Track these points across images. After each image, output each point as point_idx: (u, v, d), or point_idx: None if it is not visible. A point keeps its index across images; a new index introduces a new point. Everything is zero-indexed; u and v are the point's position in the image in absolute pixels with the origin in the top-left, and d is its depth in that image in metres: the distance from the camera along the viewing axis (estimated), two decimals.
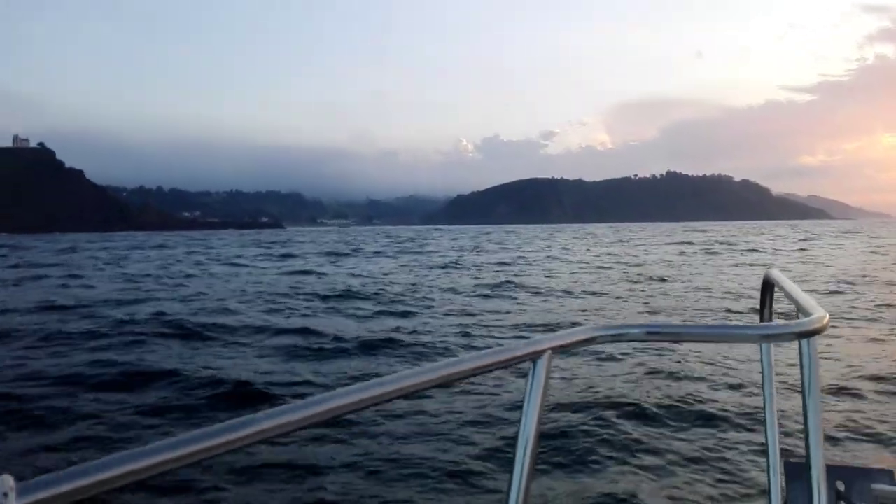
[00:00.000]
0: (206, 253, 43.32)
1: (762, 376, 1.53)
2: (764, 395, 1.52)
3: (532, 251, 39.63)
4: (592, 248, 41.96)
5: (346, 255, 38.17)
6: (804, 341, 1.21)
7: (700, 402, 6.13)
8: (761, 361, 1.55)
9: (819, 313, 1.20)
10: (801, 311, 1.30)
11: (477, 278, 20.41)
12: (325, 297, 15.21)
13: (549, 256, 33.21)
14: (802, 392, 1.23)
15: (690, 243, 45.01)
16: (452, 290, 16.57)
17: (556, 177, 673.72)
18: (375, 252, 41.40)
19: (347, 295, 15.66)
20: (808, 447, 1.16)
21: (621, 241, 55.87)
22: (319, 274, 23.40)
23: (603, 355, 7.43)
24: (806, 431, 1.17)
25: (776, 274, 1.67)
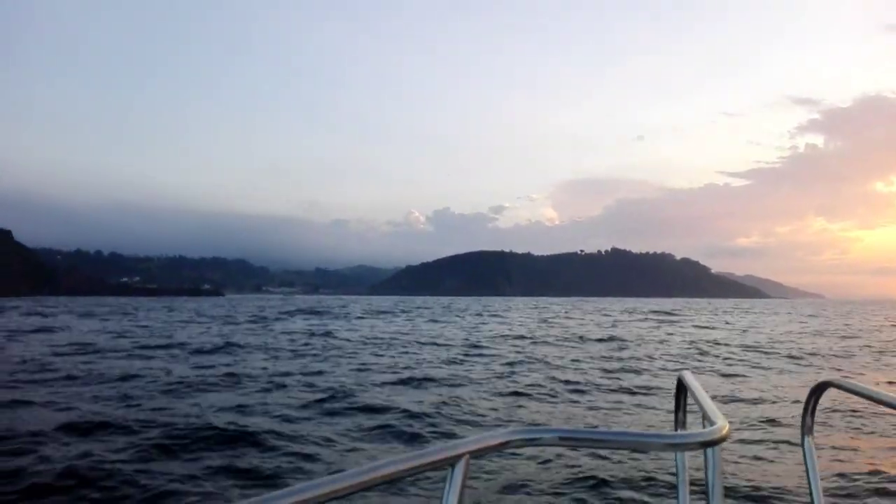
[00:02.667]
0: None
1: (677, 481, 1.61)
2: (679, 500, 1.59)
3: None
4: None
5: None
6: (708, 450, 1.30)
7: None
8: (676, 466, 1.64)
9: (720, 423, 1.29)
10: (706, 418, 1.39)
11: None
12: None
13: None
14: (707, 499, 1.33)
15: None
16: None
17: (505, 250, 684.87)
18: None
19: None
20: None
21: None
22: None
23: (522, 457, 7.07)
24: None
25: (688, 377, 1.76)
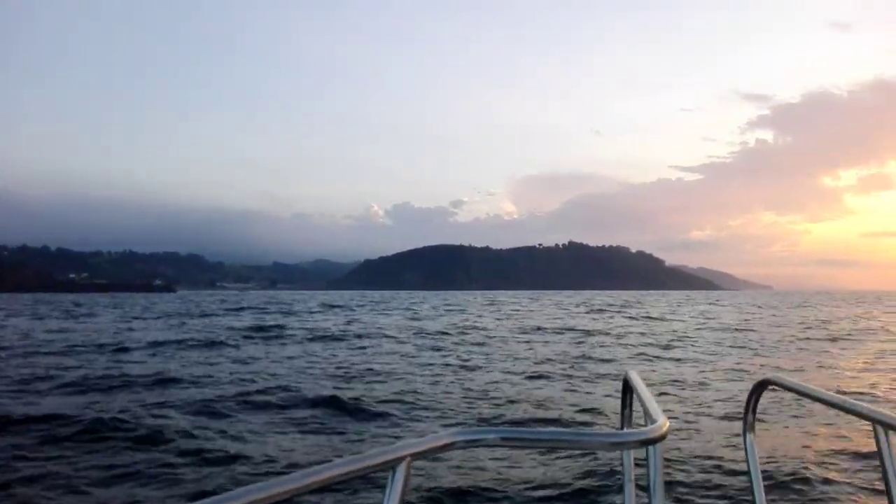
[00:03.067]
0: None
1: (622, 479, 1.62)
2: (624, 499, 1.59)
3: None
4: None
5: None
6: (650, 448, 1.31)
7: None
8: (622, 463, 1.64)
9: (661, 421, 1.31)
10: (648, 416, 1.41)
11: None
12: None
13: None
14: (648, 497, 1.35)
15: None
16: None
17: (464, 244, 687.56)
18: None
19: None
20: None
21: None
22: None
23: (465, 457, 6.90)
24: None
25: (633, 376, 1.80)
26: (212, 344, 20.52)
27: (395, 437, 8.06)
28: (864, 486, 6.13)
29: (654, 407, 1.46)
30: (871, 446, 1.62)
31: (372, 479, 5.80)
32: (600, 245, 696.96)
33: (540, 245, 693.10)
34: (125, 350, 18.70)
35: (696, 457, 7.12)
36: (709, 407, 9.97)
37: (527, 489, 6.24)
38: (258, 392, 11.16)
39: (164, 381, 12.38)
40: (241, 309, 52.63)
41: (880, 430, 1.54)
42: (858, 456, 6.99)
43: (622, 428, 1.95)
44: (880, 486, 1.64)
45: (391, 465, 1.09)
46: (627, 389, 1.86)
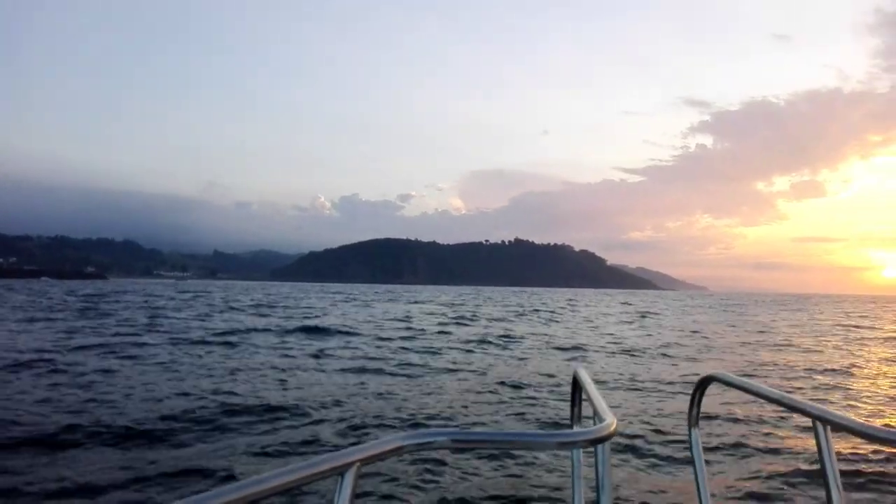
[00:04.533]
0: None
1: (572, 477, 1.61)
2: (574, 497, 1.59)
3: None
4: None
5: None
6: (598, 447, 1.34)
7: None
8: (571, 462, 1.63)
9: (608, 419, 1.32)
10: (596, 414, 1.42)
11: None
12: None
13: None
14: (597, 495, 1.36)
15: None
16: None
17: (411, 238, 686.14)
18: None
19: None
20: None
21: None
22: None
23: (415, 461, 6.65)
24: None
25: (582, 373, 1.79)
26: None
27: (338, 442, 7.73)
28: (804, 480, 6.20)
29: (602, 405, 1.47)
30: (811, 442, 1.62)
31: (320, 487, 5.50)
32: (545, 243, 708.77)
33: (486, 241, 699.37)
34: None
35: (642, 453, 7.11)
36: (656, 402, 10.03)
37: (478, 491, 6.04)
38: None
39: None
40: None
41: (820, 426, 1.56)
42: (799, 451, 7.10)
43: (572, 425, 1.97)
44: (820, 480, 1.59)
45: (339, 472, 1.07)
46: (576, 386, 1.85)
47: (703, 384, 2.17)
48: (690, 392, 2.24)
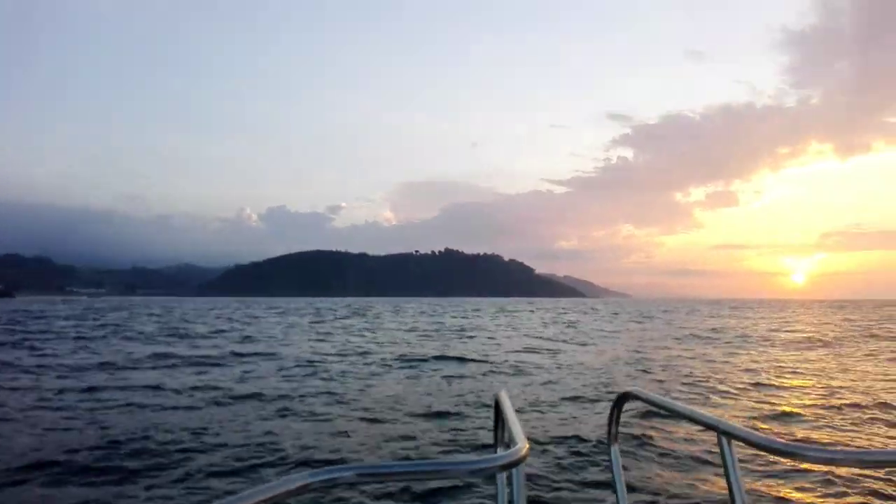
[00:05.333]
0: None
1: (496, 502, 1.60)
2: None
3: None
4: None
5: None
6: (512, 471, 1.36)
7: None
8: (496, 487, 1.62)
9: (520, 444, 1.33)
10: (511, 439, 1.43)
11: None
12: None
13: None
14: None
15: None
16: None
17: (340, 250, 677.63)
18: None
19: None
20: None
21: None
22: None
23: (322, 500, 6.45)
24: None
25: (503, 397, 1.82)
26: None
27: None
28: (713, 491, 6.49)
29: (516, 429, 1.47)
30: (717, 454, 1.68)
31: None
32: (475, 253, 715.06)
33: (416, 252, 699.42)
34: None
35: (561, 471, 7.27)
36: (575, 421, 10.25)
37: None
38: None
39: None
40: None
41: (723, 438, 1.61)
42: (708, 464, 7.43)
43: (496, 448, 1.97)
44: (727, 493, 1.68)
45: None
46: (497, 410, 1.85)
47: (620, 400, 2.23)
48: (608, 408, 2.32)
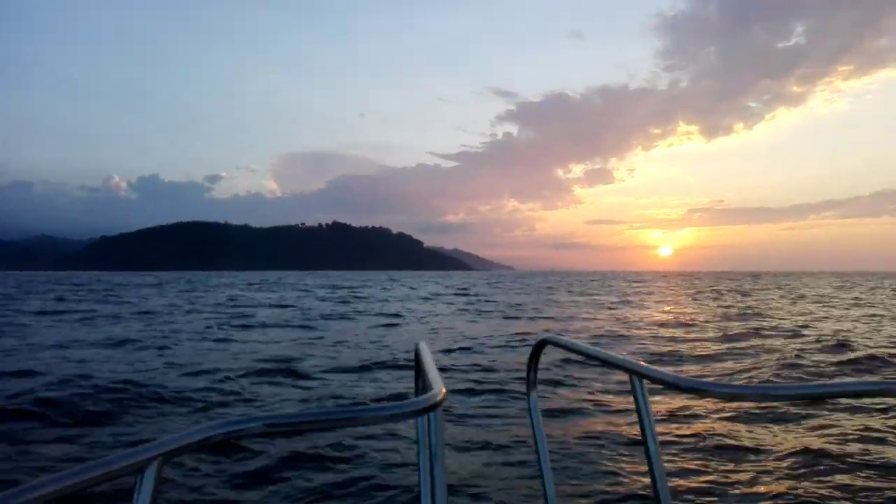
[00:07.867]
0: None
1: (417, 448, 1.58)
2: (419, 466, 1.54)
3: None
4: None
5: None
6: (430, 415, 1.34)
7: (349, 487, 5.12)
8: (416, 432, 1.61)
9: (436, 389, 1.33)
10: (426, 385, 1.44)
11: None
12: None
13: None
14: (429, 463, 1.38)
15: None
16: None
17: (221, 221, 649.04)
18: None
19: None
20: None
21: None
22: None
23: (231, 453, 5.88)
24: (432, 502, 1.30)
25: (422, 347, 1.87)
26: None
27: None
28: (628, 432, 6.53)
29: (434, 375, 1.48)
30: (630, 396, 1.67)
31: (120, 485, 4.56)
32: (364, 226, 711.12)
33: (303, 224, 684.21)
34: None
35: (482, 418, 7.12)
36: (493, 368, 10.21)
37: (308, 474, 5.48)
38: None
39: None
40: None
41: (636, 380, 1.61)
42: (622, 405, 7.52)
43: (417, 396, 1.83)
44: (638, 432, 1.66)
45: (137, 469, 0.95)
46: (417, 359, 1.87)
47: (538, 348, 2.23)
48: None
